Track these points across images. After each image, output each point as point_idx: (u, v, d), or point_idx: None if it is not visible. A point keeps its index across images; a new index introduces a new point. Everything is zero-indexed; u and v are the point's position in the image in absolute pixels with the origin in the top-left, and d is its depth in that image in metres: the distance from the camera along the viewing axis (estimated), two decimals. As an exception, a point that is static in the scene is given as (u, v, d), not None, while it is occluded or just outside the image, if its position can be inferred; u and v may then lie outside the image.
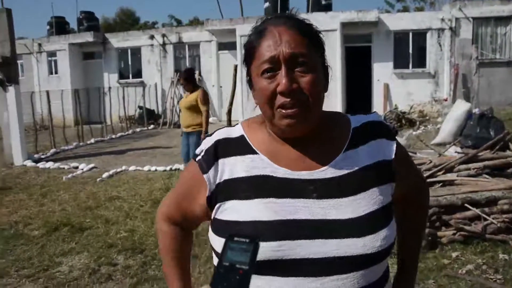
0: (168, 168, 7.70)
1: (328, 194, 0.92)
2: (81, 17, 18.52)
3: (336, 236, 0.89)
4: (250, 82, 0.99)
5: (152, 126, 15.37)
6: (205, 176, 0.97)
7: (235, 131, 1.02)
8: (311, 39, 0.95)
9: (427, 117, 12.97)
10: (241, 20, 14.50)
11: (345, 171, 0.94)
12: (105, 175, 7.26)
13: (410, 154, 6.12)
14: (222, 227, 0.95)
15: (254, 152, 0.97)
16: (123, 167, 7.85)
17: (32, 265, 3.87)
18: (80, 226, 4.77)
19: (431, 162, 4.68)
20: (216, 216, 0.97)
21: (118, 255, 4.01)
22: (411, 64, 14.12)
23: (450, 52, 13.54)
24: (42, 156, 9.46)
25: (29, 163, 8.64)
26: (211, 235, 0.98)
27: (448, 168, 4.54)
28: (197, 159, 1.00)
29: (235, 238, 0.71)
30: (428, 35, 13.81)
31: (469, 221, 3.89)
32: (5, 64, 8.67)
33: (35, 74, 17.60)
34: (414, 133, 10.59)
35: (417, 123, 11.87)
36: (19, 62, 16.40)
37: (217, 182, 0.97)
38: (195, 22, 30.72)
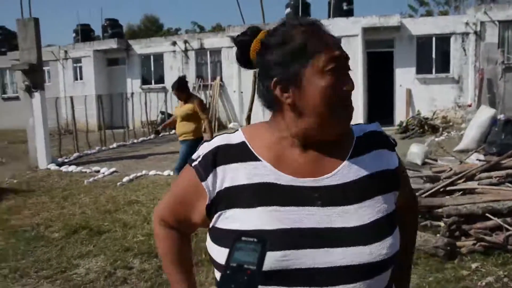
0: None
1: (333, 202, 0.91)
2: (105, 24, 18.97)
3: (342, 244, 0.87)
4: (294, 82, 0.93)
5: (173, 131, 15.51)
6: (203, 183, 0.94)
7: (235, 137, 0.99)
8: None
9: (451, 123, 12.71)
10: (262, 26, 14.51)
11: (350, 179, 0.94)
12: (125, 179, 7.37)
13: (431, 161, 6.01)
14: (223, 236, 0.92)
15: (256, 159, 0.95)
16: (143, 172, 7.96)
17: (51, 266, 3.96)
18: (98, 229, 4.85)
19: (451, 169, 4.57)
20: (216, 225, 0.94)
21: (134, 258, 4.05)
22: (434, 69, 13.88)
23: (475, 57, 13.25)
24: (66, 160, 9.68)
25: (52, 166, 8.85)
26: (210, 244, 0.96)
27: (469, 176, 4.43)
28: (193, 165, 0.97)
29: (243, 238, 0.68)
30: (452, 39, 13.56)
31: (490, 231, 3.79)
32: (32, 71, 8.92)
33: (61, 80, 18.07)
34: (436, 139, 10.39)
35: (440, 129, 11.65)
36: (46, 68, 16.94)
37: (217, 190, 0.94)
38: (218, 29, 30.99)
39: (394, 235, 0.93)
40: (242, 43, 1.02)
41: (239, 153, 0.96)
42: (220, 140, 0.98)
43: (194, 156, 0.98)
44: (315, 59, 0.91)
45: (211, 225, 0.96)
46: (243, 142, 0.97)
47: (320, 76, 0.91)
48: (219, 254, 0.91)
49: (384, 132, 1.05)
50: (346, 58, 0.94)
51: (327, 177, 0.93)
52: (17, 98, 17.15)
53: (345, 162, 0.95)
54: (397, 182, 1.00)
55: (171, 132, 15.16)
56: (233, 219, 0.91)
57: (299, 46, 0.92)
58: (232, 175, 0.94)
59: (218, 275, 0.95)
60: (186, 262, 1.12)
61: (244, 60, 1.03)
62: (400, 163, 1.04)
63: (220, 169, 0.94)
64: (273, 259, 0.84)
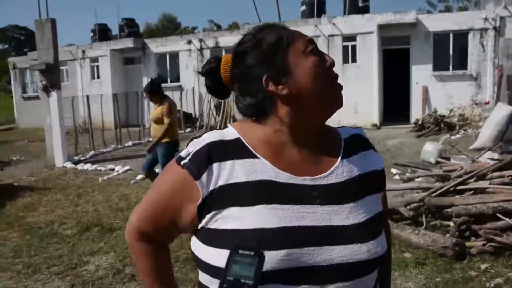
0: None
1: (331, 200, 0.92)
2: (122, 23, 19.20)
3: (341, 242, 0.89)
4: (282, 71, 0.93)
5: (189, 129, 15.65)
6: (197, 182, 0.89)
7: (229, 134, 0.95)
8: None
9: (468, 121, 12.47)
10: (277, 23, 14.48)
11: (344, 178, 0.96)
12: (138, 177, 7.46)
13: (444, 160, 5.92)
14: (219, 237, 0.88)
15: (253, 156, 0.92)
16: (157, 170, 8.02)
17: (62, 262, 4.05)
18: (110, 227, 4.94)
19: (462, 168, 4.50)
20: (208, 226, 0.90)
21: (143, 256, 4.10)
22: (451, 66, 13.64)
23: (494, 53, 12.96)
24: (82, 158, 9.86)
25: (69, 164, 9.02)
26: (199, 246, 0.92)
27: (480, 175, 4.35)
28: (182, 163, 0.91)
29: (240, 251, 0.69)
30: (470, 35, 13.30)
31: (500, 232, 3.72)
32: (49, 70, 9.11)
33: (78, 79, 18.37)
34: (452, 137, 10.23)
35: (457, 127, 11.44)
36: (64, 68, 17.27)
37: (211, 188, 0.89)
38: (234, 27, 31.04)
39: (383, 233, 0.96)
40: (210, 70, 1.03)
41: (235, 150, 0.92)
42: (212, 136, 0.94)
43: (182, 154, 0.93)
44: (294, 45, 0.95)
45: (200, 226, 0.91)
46: (238, 139, 0.94)
47: (304, 58, 0.95)
48: (214, 256, 0.88)
49: (367, 138, 1.09)
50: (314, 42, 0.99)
51: (324, 176, 0.94)
52: (37, 97, 17.50)
53: (339, 162, 0.97)
54: (383, 182, 1.04)
55: (186, 131, 15.31)
56: (231, 218, 0.88)
57: (275, 40, 0.95)
58: (227, 172, 0.90)
59: (204, 277, 0.93)
60: (169, 280, 1.07)
61: (217, 88, 1.04)
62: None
63: (215, 166, 0.90)
64: (276, 258, 0.83)
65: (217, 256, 0.86)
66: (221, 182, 0.89)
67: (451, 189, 4.23)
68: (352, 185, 0.95)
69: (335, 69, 1.00)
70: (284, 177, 0.91)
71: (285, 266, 0.84)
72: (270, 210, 0.87)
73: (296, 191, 0.91)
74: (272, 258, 0.82)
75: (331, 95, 0.97)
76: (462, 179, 4.26)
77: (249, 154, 0.92)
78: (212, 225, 0.89)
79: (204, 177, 0.89)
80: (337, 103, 0.99)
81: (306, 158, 0.95)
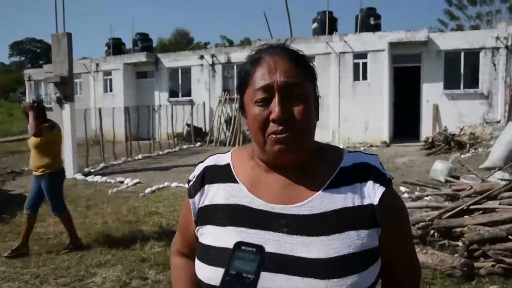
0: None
1: (299, 231, 0.91)
2: (136, 38, 19.54)
3: (300, 273, 0.87)
4: (242, 109, 1.00)
5: (199, 143, 15.74)
6: (190, 200, 1.04)
7: (224, 159, 1.06)
8: (305, 69, 0.96)
9: (479, 140, 12.37)
10: (288, 40, 14.66)
11: (320, 210, 0.93)
12: (147, 190, 7.52)
13: (453, 179, 5.88)
14: (200, 250, 0.99)
15: (235, 181, 1.00)
16: (166, 183, 8.09)
17: (69, 274, 4.08)
18: (118, 240, 4.96)
19: (471, 188, 4.46)
20: (199, 239, 1.01)
21: (149, 269, 4.12)
22: (462, 84, 13.61)
23: (505, 72, 12.92)
24: (92, 170, 9.95)
25: (79, 176, 9.12)
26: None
27: (491, 196, 4.31)
28: (188, 185, 1.06)
29: (243, 247, 0.72)
30: (482, 54, 13.28)
31: (510, 253, 3.67)
32: (63, 83, 9.27)
33: (91, 92, 18.65)
34: (462, 156, 10.14)
35: (467, 146, 11.35)
36: (78, 80, 17.54)
37: (199, 207, 1.02)
38: (246, 43, 31.36)
39: (364, 274, 0.90)
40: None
41: (222, 175, 1.03)
42: (210, 161, 1.07)
43: (190, 177, 1.07)
44: (248, 90, 0.97)
45: None
46: (228, 164, 1.04)
47: (251, 106, 0.95)
48: (197, 264, 0.98)
49: (381, 168, 0.99)
50: (284, 85, 0.92)
51: (297, 206, 0.93)
52: (50, 109, 17.72)
53: (319, 193, 0.94)
54: (377, 218, 0.93)
55: (196, 145, 15.40)
56: (207, 235, 0.98)
57: (244, 76, 0.99)
58: (212, 194, 1.01)
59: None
60: None
61: None
62: (392, 203, 0.98)
63: (206, 188, 1.03)
64: None
65: (198, 267, 0.97)
66: (206, 202, 1.02)
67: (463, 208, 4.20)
68: (330, 217, 0.92)
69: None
70: (257, 203, 0.96)
71: None
72: (237, 232, 0.94)
73: (265, 217, 0.94)
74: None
75: (267, 149, 0.94)
76: (475, 199, 4.21)
77: (232, 179, 1.01)
78: (199, 239, 1.01)
79: (197, 196, 1.03)
80: (272, 155, 0.94)
81: (284, 187, 0.96)
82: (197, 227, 1.02)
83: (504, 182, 4.49)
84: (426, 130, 13.55)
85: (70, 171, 9.23)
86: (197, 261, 0.98)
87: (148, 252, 4.56)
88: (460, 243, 3.98)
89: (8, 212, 6.33)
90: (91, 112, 14.01)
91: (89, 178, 8.95)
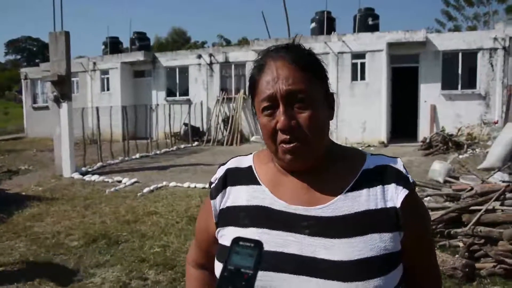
0: (207, 185, 7.75)
1: (321, 233, 0.90)
2: (133, 37, 19.47)
3: (321, 276, 0.87)
4: (255, 115, 1.00)
5: (196, 143, 15.71)
6: (212, 201, 1.04)
7: (245, 161, 1.06)
8: (311, 71, 0.94)
9: (476, 140, 12.41)
10: (286, 40, 14.61)
11: (343, 212, 0.92)
12: (145, 190, 7.48)
13: (452, 179, 5.88)
14: (219, 252, 0.98)
15: (257, 183, 1.00)
16: (164, 183, 8.06)
17: (68, 274, 4.03)
18: (116, 239, 4.93)
19: (472, 188, 4.46)
20: (219, 241, 1.00)
21: (149, 270, 4.09)
22: (460, 85, 13.64)
23: (503, 73, 12.96)
24: (89, 169, 9.90)
25: (76, 175, 9.06)
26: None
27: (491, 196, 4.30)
28: (211, 187, 1.06)
29: (241, 242, 0.71)
30: (479, 55, 13.32)
31: (511, 254, 3.66)
32: (60, 82, 9.22)
33: (89, 91, 18.58)
34: (460, 156, 10.16)
35: (465, 146, 11.38)
36: (75, 79, 17.45)
37: (220, 208, 1.02)
38: (243, 42, 31.31)
39: (388, 278, 0.89)
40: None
41: (244, 176, 1.03)
42: (232, 163, 1.07)
43: (212, 180, 1.07)
44: (256, 97, 0.96)
45: None
46: (250, 167, 1.04)
47: (260, 114, 0.96)
48: (217, 267, 0.98)
49: (404, 171, 0.97)
50: (287, 94, 0.90)
51: (320, 207, 0.93)
52: (46, 108, 17.69)
53: (342, 195, 0.93)
54: (400, 222, 0.91)
55: (193, 145, 15.36)
56: (228, 236, 0.96)
57: (251, 84, 0.98)
58: (234, 195, 1.01)
59: None
60: None
61: None
62: (415, 207, 0.96)
63: (228, 190, 1.03)
64: None
65: (217, 266, 0.98)
66: (228, 204, 1.01)
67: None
68: (353, 220, 0.91)
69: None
70: (279, 204, 0.95)
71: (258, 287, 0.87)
72: (258, 233, 0.93)
73: (287, 219, 0.93)
74: None
75: (279, 157, 0.95)
76: (476, 200, 4.20)
77: (254, 181, 1.01)
78: (219, 240, 1.00)
79: (218, 198, 1.03)
80: (285, 162, 0.95)
81: (306, 189, 0.96)
82: (218, 229, 1.01)
83: (505, 184, 4.49)
84: (424, 130, 13.57)
85: (67, 170, 9.19)
86: (216, 262, 0.99)
87: (147, 252, 4.53)
88: (461, 244, 3.98)
89: (5, 211, 6.28)
90: (88, 111, 13.96)
91: (87, 178, 8.90)
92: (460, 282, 3.54)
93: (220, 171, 1.06)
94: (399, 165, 0.97)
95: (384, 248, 0.89)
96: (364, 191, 0.94)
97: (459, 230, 4.02)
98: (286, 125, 0.90)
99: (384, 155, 1.02)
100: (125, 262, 4.28)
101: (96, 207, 6.48)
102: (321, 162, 0.96)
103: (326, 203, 0.93)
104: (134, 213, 6.04)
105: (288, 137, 0.90)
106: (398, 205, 0.92)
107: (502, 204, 4.18)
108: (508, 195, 4.36)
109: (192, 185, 7.88)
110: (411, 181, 0.95)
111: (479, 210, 4.24)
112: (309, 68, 0.93)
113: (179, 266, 4.14)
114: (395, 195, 0.93)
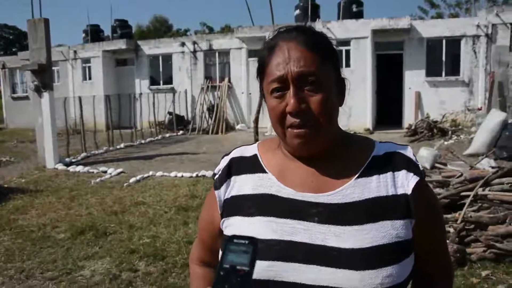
0: (194, 174, 7.74)
1: (331, 220, 0.87)
2: (115, 25, 19.07)
3: (332, 264, 0.84)
4: (264, 97, 0.97)
5: (181, 132, 15.56)
6: (216, 192, 1.00)
7: (250, 150, 1.03)
8: (323, 54, 0.91)
9: (460, 127, 12.58)
10: (271, 27, 14.49)
11: (353, 199, 0.89)
12: (132, 180, 7.37)
13: (441, 166, 5.92)
14: (223, 242, 0.93)
15: (263, 171, 0.97)
16: (150, 173, 7.95)
17: (56, 267, 3.95)
18: (104, 231, 4.84)
19: (461, 174, 4.49)
20: (224, 232, 0.98)
21: (139, 261, 4.03)
22: (444, 72, 13.77)
23: (486, 60, 13.11)
24: (73, 160, 9.70)
25: (60, 166, 8.87)
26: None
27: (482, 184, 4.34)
28: (215, 178, 1.03)
29: (235, 240, 0.70)
30: (463, 42, 13.43)
31: (501, 238, 3.71)
32: (41, 71, 8.96)
33: (70, 80, 18.18)
34: (445, 143, 10.28)
35: (449, 132, 11.52)
36: (55, 68, 17.04)
37: (225, 198, 0.98)
38: (227, 30, 31.03)
39: (400, 265, 0.86)
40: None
41: (250, 165, 0.99)
42: (236, 152, 1.04)
43: (216, 170, 1.04)
44: (265, 79, 0.93)
45: None
46: (255, 155, 1.01)
47: (268, 97, 0.92)
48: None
49: (414, 158, 0.94)
50: (298, 76, 0.87)
51: (329, 194, 0.90)
52: (26, 98, 17.28)
53: (352, 181, 0.90)
54: (411, 209, 0.89)
55: (178, 133, 15.21)
56: (234, 226, 0.94)
57: (260, 65, 0.95)
58: (239, 184, 0.98)
59: None
60: None
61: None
62: (425, 195, 0.93)
63: (232, 179, 0.99)
64: (259, 269, 0.82)
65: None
66: (233, 193, 0.98)
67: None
68: (363, 206, 0.88)
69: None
70: (286, 192, 0.92)
71: (268, 278, 0.85)
72: (265, 222, 0.90)
73: (295, 206, 0.90)
74: (256, 268, 0.80)
75: (287, 141, 0.92)
76: (468, 186, 4.23)
77: (260, 169, 0.98)
78: (224, 231, 0.97)
79: (223, 188, 0.99)
80: (293, 148, 0.92)
81: (314, 175, 0.93)
82: (223, 219, 0.98)
83: (494, 170, 4.54)
84: (409, 117, 13.70)
85: (50, 161, 8.99)
86: (221, 253, 0.93)
87: (136, 243, 4.46)
88: (451, 229, 4.01)
89: (-13, 204, 6.11)
90: (70, 101, 13.67)
91: (71, 168, 8.72)
92: (451, 267, 3.57)
93: (224, 161, 1.03)
94: (409, 152, 0.95)
95: (396, 235, 0.86)
96: (374, 177, 0.91)
97: (449, 216, 4.05)
98: (296, 108, 0.86)
99: (393, 142, 0.99)
100: (115, 254, 4.20)
101: (82, 199, 6.36)
102: (330, 148, 0.93)
103: (335, 190, 0.90)
104: (121, 204, 5.95)
105: (298, 120, 0.87)
106: (409, 192, 0.89)
107: (490, 190, 4.23)
108: (495, 180, 4.41)
109: (179, 175, 7.80)
110: (421, 168, 0.93)
111: (467, 196, 4.28)
112: (321, 51, 0.90)
113: (169, 257, 4.09)
114: (406, 181, 0.90)
